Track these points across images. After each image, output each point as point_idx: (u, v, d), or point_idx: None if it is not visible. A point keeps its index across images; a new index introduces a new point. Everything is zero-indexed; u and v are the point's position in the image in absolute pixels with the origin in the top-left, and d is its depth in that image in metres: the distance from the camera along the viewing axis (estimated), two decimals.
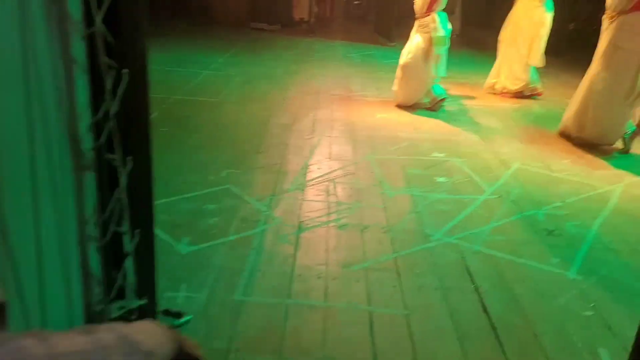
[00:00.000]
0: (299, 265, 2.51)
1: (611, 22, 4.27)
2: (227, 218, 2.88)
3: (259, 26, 10.07)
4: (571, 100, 4.71)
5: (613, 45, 4.23)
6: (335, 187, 3.37)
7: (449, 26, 5.22)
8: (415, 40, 5.20)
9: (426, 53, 5.18)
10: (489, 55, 6.76)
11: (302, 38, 9.54)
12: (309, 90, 5.78)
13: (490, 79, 6.22)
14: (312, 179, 3.47)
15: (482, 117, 5.28)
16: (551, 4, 5.92)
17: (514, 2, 6.12)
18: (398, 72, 5.37)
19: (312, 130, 4.44)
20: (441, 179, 3.62)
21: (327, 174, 3.58)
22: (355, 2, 13.06)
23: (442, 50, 5.20)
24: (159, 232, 2.66)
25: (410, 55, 5.21)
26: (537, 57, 6.00)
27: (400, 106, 5.40)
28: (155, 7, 10.52)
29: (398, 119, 5.01)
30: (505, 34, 6.12)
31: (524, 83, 6.07)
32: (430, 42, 5.14)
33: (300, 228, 2.84)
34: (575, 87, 4.67)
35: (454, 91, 6.24)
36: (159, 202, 3.09)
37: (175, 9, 10.57)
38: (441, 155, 4.08)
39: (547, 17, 5.90)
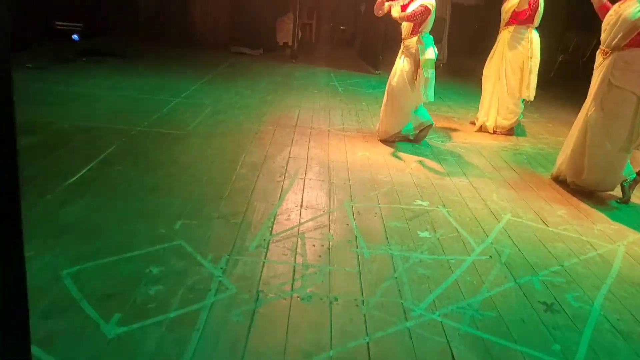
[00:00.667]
0: (251, 352, 2.07)
1: (605, 58, 3.95)
2: (171, 286, 2.44)
3: (240, 50, 9.72)
4: (565, 141, 4.38)
5: (607, 83, 3.91)
6: (304, 244, 2.95)
7: (436, 51, 4.89)
8: (402, 63, 4.87)
9: (413, 76, 4.84)
10: (475, 85, 6.44)
11: (283, 63, 9.21)
12: (285, 122, 5.39)
13: (481, 118, 5.89)
14: (279, 233, 3.05)
15: (470, 156, 4.92)
16: (537, 34, 5.66)
17: (498, 33, 5.84)
18: (384, 98, 5.04)
19: (284, 171, 4.03)
20: (424, 234, 3.22)
21: (296, 226, 3.16)
22: (341, 27, 12.82)
23: (430, 73, 4.85)
24: (85, 306, 2.23)
25: (395, 79, 4.91)
26: (531, 90, 5.72)
27: (383, 141, 5.03)
28: (132, 30, 10.15)
29: (380, 157, 4.62)
30: (490, 69, 5.83)
31: (517, 117, 5.76)
32: (417, 65, 4.80)
33: (257, 300, 2.40)
34: (567, 123, 4.36)
35: (439, 124, 5.91)
36: (92, 264, 2.70)
37: (153, 31, 10.20)
38: (425, 203, 3.69)
39: (536, 48, 5.62)
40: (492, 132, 5.80)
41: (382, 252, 2.96)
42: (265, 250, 2.85)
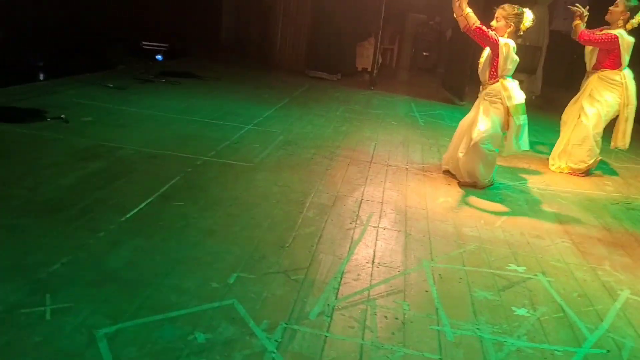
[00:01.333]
0: None
1: None
2: None
3: (317, 75, 9.46)
4: None
5: None
6: (374, 315, 2.48)
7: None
8: (491, 114, 4.28)
9: (504, 126, 4.27)
10: None
11: (361, 90, 8.83)
12: (360, 157, 4.97)
13: (550, 159, 5.41)
14: (345, 298, 2.60)
15: (571, 208, 4.26)
16: (631, 76, 4.99)
17: (587, 77, 5.18)
18: (463, 146, 4.47)
19: (355, 217, 3.59)
20: (521, 311, 2.66)
21: (366, 289, 2.70)
22: (425, 54, 12.32)
23: (522, 120, 4.26)
24: None
25: (486, 134, 4.26)
26: (627, 139, 5.09)
27: (465, 185, 4.48)
28: (213, 51, 10.20)
29: (465, 205, 4.08)
30: (570, 115, 5.25)
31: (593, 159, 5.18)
32: (507, 112, 4.23)
33: None
34: None
35: (533, 166, 5.28)
36: (133, 324, 2.22)
37: (233, 53, 10.19)
38: (520, 269, 3.12)
39: (632, 94, 4.98)
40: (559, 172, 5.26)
41: (469, 332, 2.44)
42: (329, 319, 2.41)
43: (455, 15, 4.20)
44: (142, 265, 2.68)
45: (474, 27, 4.12)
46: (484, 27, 4.15)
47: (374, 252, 3.12)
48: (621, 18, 4.93)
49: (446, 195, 4.25)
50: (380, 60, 10.49)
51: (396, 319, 2.48)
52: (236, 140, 5.02)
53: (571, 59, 11.25)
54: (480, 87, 4.46)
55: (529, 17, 4.19)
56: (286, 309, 2.45)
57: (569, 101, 5.39)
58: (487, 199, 4.25)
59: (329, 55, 9.59)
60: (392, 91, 9.04)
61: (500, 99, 4.23)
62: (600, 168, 5.45)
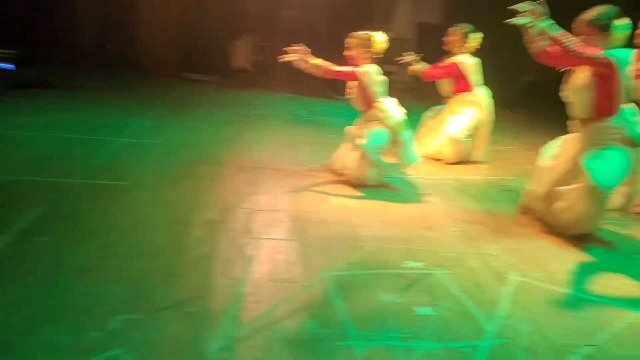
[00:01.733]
0: None
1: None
2: None
3: (192, 77, 9.06)
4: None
5: None
6: (280, 341, 2.31)
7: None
8: (375, 127, 4.38)
9: (391, 139, 4.40)
10: None
11: (241, 90, 8.59)
12: (247, 164, 4.76)
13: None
14: (246, 325, 2.40)
15: (455, 196, 4.41)
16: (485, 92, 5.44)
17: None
18: (352, 151, 4.49)
19: (247, 230, 3.39)
20: (425, 310, 2.64)
21: (267, 312, 2.52)
22: None
23: (406, 135, 4.41)
24: None
25: (372, 142, 4.35)
26: (483, 154, 5.53)
27: (357, 184, 4.46)
28: (72, 57, 9.32)
29: (359, 204, 4.05)
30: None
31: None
32: (393, 132, 4.35)
33: None
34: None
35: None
36: None
37: (96, 59, 9.41)
38: (418, 265, 3.12)
39: (488, 110, 5.44)
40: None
41: (378, 343, 2.36)
42: (231, 354, 2.21)
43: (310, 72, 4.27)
44: (3, 323, 2.27)
45: (333, 72, 4.22)
46: (338, 68, 4.25)
47: (272, 268, 2.95)
48: (458, 45, 5.30)
49: (338, 195, 4.19)
50: (257, 58, 10.30)
51: (304, 341, 2.34)
52: (108, 156, 4.56)
53: (440, 50, 11.89)
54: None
55: (379, 38, 4.31)
56: (183, 349, 2.21)
57: (437, 93, 5.62)
58: (379, 197, 4.26)
59: (204, 56, 9.22)
60: (273, 90, 8.92)
61: (380, 119, 4.34)
62: None
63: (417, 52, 10.20)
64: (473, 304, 2.74)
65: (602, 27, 3.35)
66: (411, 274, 3.02)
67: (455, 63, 5.29)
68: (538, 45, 3.35)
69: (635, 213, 4.01)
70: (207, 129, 5.83)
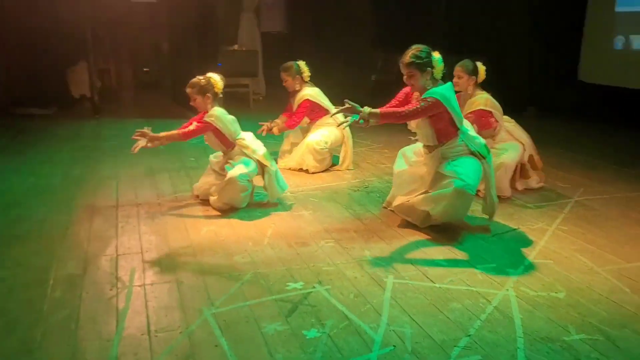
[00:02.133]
0: None
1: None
2: None
3: (27, 112, 8.20)
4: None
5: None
6: None
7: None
8: (240, 160, 4.40)
9: (261, 170, 4.41)
10: None
11: (86, 121, 7.98)
12: (103, 203, 4.41)
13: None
14: None
15: (324, 206, 4.50)
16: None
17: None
18: (217, 178, 4.45)
19: (115, 280, 3.13)
20: (312, 333, 2.63)
21: None
22: (145, 70, 11.75)
23: (274, 165, 4.46)
24: None
25: (240, 170, 4.29)
26: (350, 162, 5.73)
27: (223, 209, 4.34)
28: None
29: (230, 230, 3.94)
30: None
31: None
32: (260, 165, 4.38)
33: None
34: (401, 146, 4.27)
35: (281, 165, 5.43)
36: None
37: None
38: (299, 285, 3.11)
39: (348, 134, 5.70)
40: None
41: None
42: None
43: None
44: None
45: (188, 134, 4.26)
46: (190, 128, 4.28)
47: (147, 317, 2.74)
48: (297, 82, 5.57)
49: (208, 224, 4.05)
50: (99, 84, 9.65)
51: None
52: None
53: (283, 56, 12.10)
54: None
55: (216, 79, 4.34)
56: None
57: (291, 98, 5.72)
58: (250, 218, 4.19)
59: (37, 87, 8.39)
60: (121, 116, 8.40)
61: (245, 155, 4.36)
62: (335, 160, 5.86)
63: (264, 62, 10.30)
64: (357, 316, 2.79)
65: (421, 66, 3.71)
66: (293, 296, 3.00)
67: (304, 100, 5.50)
68: (372, 123, 3.65)
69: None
70: (54, 170, 5.31)
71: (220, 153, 4.59)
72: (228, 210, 4.31)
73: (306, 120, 5.65)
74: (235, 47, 9.75)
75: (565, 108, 8.87)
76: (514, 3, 8.73)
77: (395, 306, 2.89)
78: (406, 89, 4.02)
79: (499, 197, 4.16)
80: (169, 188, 4.89)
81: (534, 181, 4.90)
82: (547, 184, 5.02)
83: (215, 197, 4.34)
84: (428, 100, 3.66)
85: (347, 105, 3.60)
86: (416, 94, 3.89)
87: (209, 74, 4.37)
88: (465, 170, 3.74)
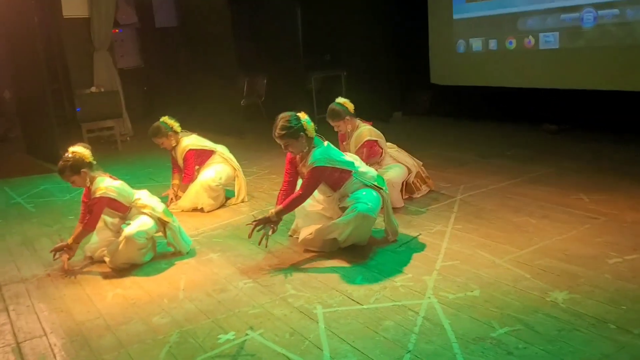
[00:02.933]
0: None
1: None
2: None
3: None
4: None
5: None
6: None
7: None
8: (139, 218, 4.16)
9: (162, 227, 4.20)
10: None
11: None
12: None
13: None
14: None
15: (229, 245, 4.39)
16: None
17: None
18: (112, 237, 4.18)
19: None
20: None
21: None
22: None
23: (176, 221, 4.28)
24: None
25: (138, 229, 4.07)
26: (244, 194, 5.69)
27: (121, 267, 4.07)
28: None
29: (139, 290, 3.69)
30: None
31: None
32: (160, 222, 4.18)
33: None
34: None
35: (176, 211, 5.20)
36: None
37: None
38: (230, 336, 3.01)
39: (235, 161, 5.72)
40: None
41: None
42: None
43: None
44: None
45: (91, 225, 4.06)
46: (87, 220, 4.08)
47: None
48: (173, 140, 5.46)
49: (113, 287, 3.76)
50: None
51: None
52: None
53: (143, 92, 11.66)
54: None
55: (83, 152, 4.10)
56: None
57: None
58: (155, 272, 3.96)
59: None
60: None
61: (144, 214, 4.15)
62: (229, 193, 5.76)
63: (125, 100, 9.82)
64: (300, 355, 2.77)
65: (294, 134, 3.87)
66: (229, 349, 2.89)
67: (187, 151, 5.42)
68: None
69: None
70: None
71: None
72: (130, 268, 4.04)
73: (196, 167, 5.53)
74: (93, 89, 9.16)
75: (424, 109, 9.64)
76: (361, 17, 9.28)
77: (332, 337, 2.92)
78: (288, 156, 4.17)
79: (393, 209, 4.39)
80: (52, 255, 4.43)
81: (423, 191, 5.22)
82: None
83: (111, 258, 4.05)
84: (315, 172, 3.87)
85: (255, 221, 3.90)
86: (298, 157, 4.07)
87: (71, 149, 4.09)
88: (366, 197, 3.97)
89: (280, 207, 3.93)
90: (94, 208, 4.04)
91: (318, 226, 4.05)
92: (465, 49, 8.92)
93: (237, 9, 9.78)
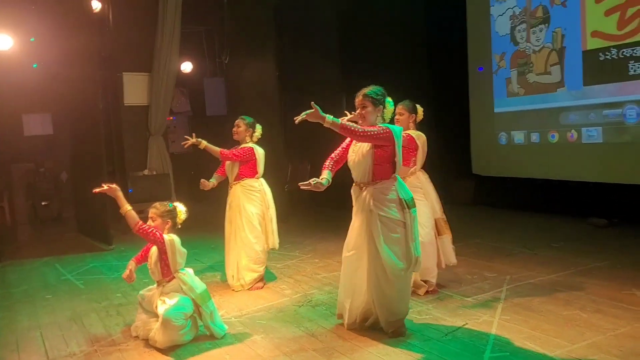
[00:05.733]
0: None
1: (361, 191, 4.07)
2: None
3: None
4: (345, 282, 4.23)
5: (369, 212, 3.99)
6: None
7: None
8: (177, 296, 4.18)
9: (197, 309, 4.21)
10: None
11: None
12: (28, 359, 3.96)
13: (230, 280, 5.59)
14: None
15: (273, 327, 4.36)
16: (265, 182, 5.74)
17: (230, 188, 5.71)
18: (152, 317, 4.25)
19: None
20: None
21: None
22: (44, 203, 11.10)
23: (211, 306, 4.25)
24: None
25: (175, 308, 4.08)
26: (276, 239, 5.71)
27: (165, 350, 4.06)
28: None
29: None
30: (230, 231, 5.63)
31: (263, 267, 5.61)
32: (195, 303, 4.18)
33: None
34: (332, 254, 4.27)
35: (218, 293, 5.26)
36: None
37: None
38: None
39: (270, 198, 5.69)
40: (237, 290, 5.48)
41: None
42: None
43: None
44: None
45: (136, 227, 4.04)
46: (145, 226, 4.09)
47: None
48: (248, 135, 5.60)
49: None
50: None
51: None
52: None
53: (190, 176, 12.10)
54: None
55: (182, 209, 4.34)
56: None
57: (213, 215, 5.67)
58: (198, 352, 3.97)
59: None
60: (24, 256, 7.76)
61: (182, 291, 4.17)
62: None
63: (175, 184, 10.22)
64: None
65: (376, 102, 4.01)
66: None
67: (251, 147, 5.53)
68: (325, 186, 3.91)
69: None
70: None
71: (153, 285, 4.36)
72: (173, 347, 4.05)
73: (235, 170, 5.55)
74: (146, 171, 9.64)
75: (468, 199, 9.64)
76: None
77: None
78: (343, 144, 4.20)
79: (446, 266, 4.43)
80: (101, 331, 4.51)
81: (448, 242, 5.03)
82: (474, 274, 5.33)
83: (156, 341, 4.06)
84: (383, 128, 3.91)
85: (313, 109, 3.73)
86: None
87: (176, 203, 4.31)
88: (396, 247, 3.87)
89: (337, 120, 3.82)
90: (153, 234, 4.07)
91: (360, 307, 4.09)
92: (507, 141, 9.05)
93: (285, 100, 10.30)
